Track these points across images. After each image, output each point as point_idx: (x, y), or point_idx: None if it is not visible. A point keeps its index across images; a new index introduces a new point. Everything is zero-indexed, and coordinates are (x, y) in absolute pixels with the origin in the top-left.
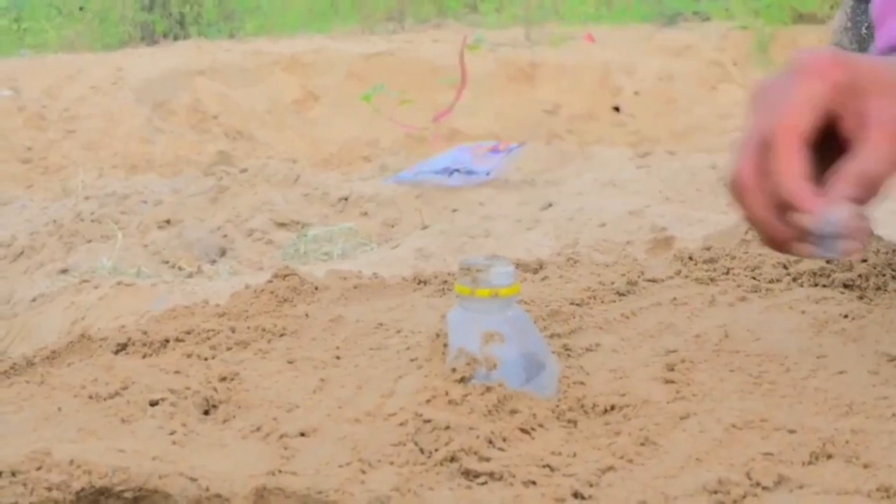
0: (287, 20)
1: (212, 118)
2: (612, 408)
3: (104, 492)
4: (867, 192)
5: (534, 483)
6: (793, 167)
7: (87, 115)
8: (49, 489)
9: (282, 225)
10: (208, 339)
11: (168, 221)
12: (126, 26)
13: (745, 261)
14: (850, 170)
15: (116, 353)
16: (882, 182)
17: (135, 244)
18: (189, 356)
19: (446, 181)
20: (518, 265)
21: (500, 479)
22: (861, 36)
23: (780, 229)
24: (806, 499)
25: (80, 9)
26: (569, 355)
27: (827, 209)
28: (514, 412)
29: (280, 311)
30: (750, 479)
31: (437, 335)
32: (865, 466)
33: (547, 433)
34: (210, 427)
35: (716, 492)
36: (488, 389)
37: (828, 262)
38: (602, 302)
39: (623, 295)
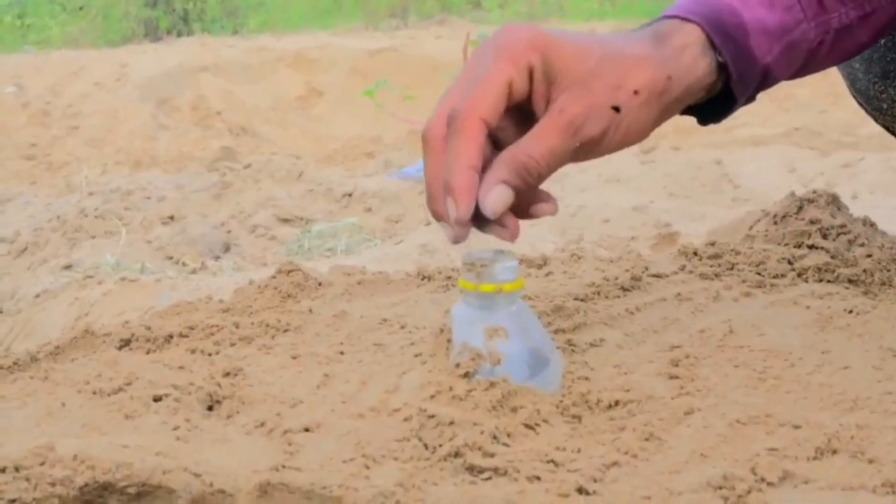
0: (290, 17)
1: (215, 114)
2: (617, 403)
3: (107, 487)
4: (521, 180)
5: (538, 478)
6: (464, 156)
7: (91, 111)
8: (52, 484)
9: (285, 221)
10: (212, 334)
11: (172, 217)
12: (129, 23)
13: (750, 256)
14: (506, 155)
15: (120, 348)
16: (537, 172)
17: (138, 240)
18: (193, 352)
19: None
20: (522, 261)
21: (505, 474)
22: None
23: (440, 204)
24: (811, 494)
25: (80, 8)
26: (573, 351)
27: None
28: (518, 408)
29: (284, 306)
30: (755, 474)
31: (441, 330)
32: (871, 462)
33: (551, 429)
34: (214, 423)
35: (720, 487)
36: (492, 385)
37: (832, 257)
38: (606, 297)
39: (627, 290)
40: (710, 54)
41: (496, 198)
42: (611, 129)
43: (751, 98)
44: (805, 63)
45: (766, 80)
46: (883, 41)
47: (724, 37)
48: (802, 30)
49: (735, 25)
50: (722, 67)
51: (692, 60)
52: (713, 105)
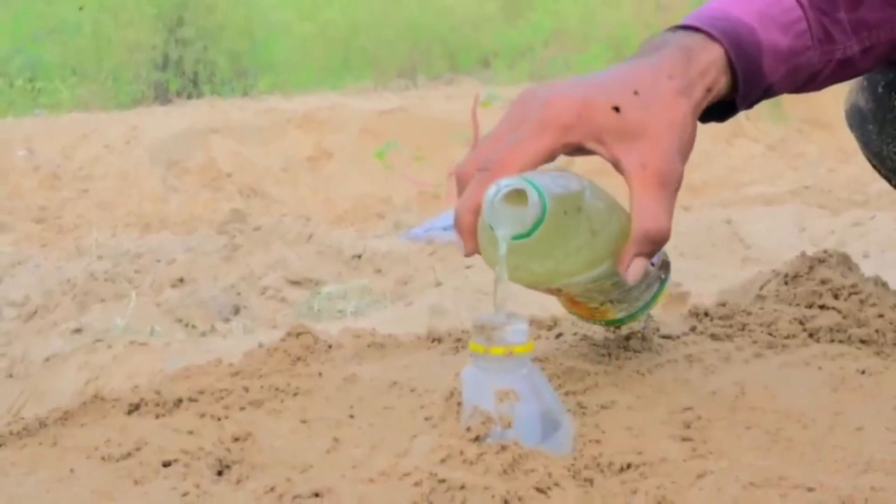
0: (300, 78)
1: (225, 176)
2: (629, 466)
3: None
4: (653, 248)
5: None
6: (474, 202)
7: (102, 174)
8: None
9: (295, 283)
10: (221, 398)
11: (181, 280)
12: (139, 85)
13: (761, 317)
14: (635, 235)
15: (129, 413)
16: (664, 237)
17: (148, 303)
18: (202, 416)
19: (456, 236)
20: (532, 322)
21: None
22: (878, 95)
23: (472, 240)
24: None
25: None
26: (584, 413)
27: None
28: (529, 471)
29: (293, 370)
30: None
31: (452, 394)
32: None
33: (563, 492)
34: (223, 488)
35: None
36: (503, 448)
37: (844, 318)
38: (617, 359)
39: (638, 352)
40: (728, 73)
41: (636, 270)
42: (684, 157)
43: (749, 107)
44: (804, 84)
45: (766, 94)
46: None
47: (742, 57)
48: (808, 56)
49: (752, 45)
50: (733, 83)
51: (713, 80)
52: (712, 109)
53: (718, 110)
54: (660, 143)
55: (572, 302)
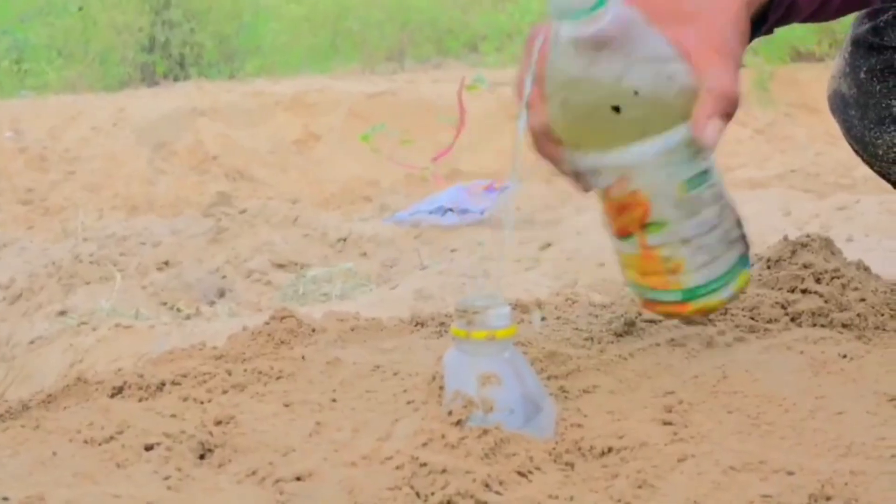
0: (288, 60)
1: (212, 159)
2: (610, 450)
3: None
4: (729, 105)
5: None
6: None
7: (89, 156)
8: None
9: (281, 266)
10: (204, 382)
11: (167, 263)
12: (127, 67)
13: (743, 301)
14: (706, 94)
15: (112, 396)
16: (735, 90)
17: (133, 286)
18: (185, 399)
19: (441, 220)
20: (516, 306)
21: None
22: (860, 80)
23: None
24: None
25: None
26: (566, 397)
27: None
28: (510, 455)
29: (277, 353)
30: None
31: (434, 378)
32: None
33: (544, 476)
34: (205, 471)
35: None
36: (485, 432)
37: (826, 302)
38: (599, 343)
39: (621, 336)
40: None
41: (713, 130)
42: (741, 44)
43: (769, 32)
44: (817, 9)
45: (787, 14)
46: (878, 87)
47: None
48: None
49: None
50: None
51: None
52: None
53: None
54: (715, 23)
55: (641, 272)
